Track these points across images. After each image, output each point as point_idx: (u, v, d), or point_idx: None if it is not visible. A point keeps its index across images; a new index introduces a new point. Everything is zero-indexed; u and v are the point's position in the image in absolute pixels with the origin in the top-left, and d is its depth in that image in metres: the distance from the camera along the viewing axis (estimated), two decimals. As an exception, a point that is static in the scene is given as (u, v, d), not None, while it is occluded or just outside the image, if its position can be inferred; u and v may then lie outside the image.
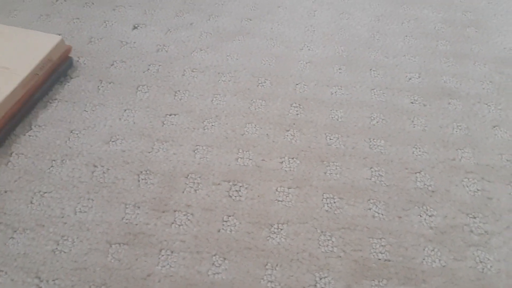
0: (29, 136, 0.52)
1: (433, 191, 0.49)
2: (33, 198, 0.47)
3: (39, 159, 0.50)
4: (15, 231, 0.44)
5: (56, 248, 0.44)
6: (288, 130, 0.54)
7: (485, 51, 0.65)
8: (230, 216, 0.46)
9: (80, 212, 0.46)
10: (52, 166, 0.49)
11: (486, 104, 0.58)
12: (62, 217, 0.46)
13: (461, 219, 0.47)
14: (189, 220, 0.46)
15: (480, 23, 0.69)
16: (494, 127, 0.56)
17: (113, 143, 0.52)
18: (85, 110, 0.55)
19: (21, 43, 0.56)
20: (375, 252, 0.44)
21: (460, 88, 0.61)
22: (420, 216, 0.47)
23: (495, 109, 0.58)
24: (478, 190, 0.49)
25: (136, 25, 0.67)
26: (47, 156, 0.50)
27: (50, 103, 0.56)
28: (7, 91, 0.51)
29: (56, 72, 0.58)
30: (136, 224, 0.45)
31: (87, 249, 0.43)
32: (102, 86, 0.58)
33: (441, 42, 0.67)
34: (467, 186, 0.50)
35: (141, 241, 0.44)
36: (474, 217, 0.47)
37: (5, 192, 0.47)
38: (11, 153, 0.51)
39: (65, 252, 0.43)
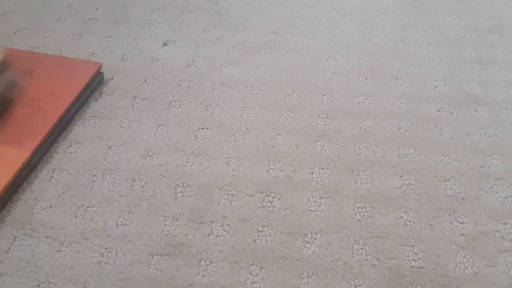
0: (70, 152, 0.55)
1: (463, 198, 0.50)
2: (76, 212, 0.49)
3: (80, 174, 0.53)
4: (62, 244, 0.47)
5: (101, 260, 0.46)
6: (317, 141, 0.56)
7: (510, 57, 0.66)
8: (264, 226, 0.48)
9: (122, 225, 0.48)
10: (93, 181, 0.52)
11: (513, 110, 0.59)
12: (105, 230, 0.48)
13: (492, 226, 0.48)
14: (225, 231, 0.47)
15: (503, 28, 0.70)
16: None
17: (150, 157, 0.54)
18: (121, 126, 0.57)
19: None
20: (408, 259, 0.45)
21: (486, 95, 0.61)
22: (451, 223, 0.48)
23: (522, 115, 0.58)
24: (508, 196, 0.50)
25: (165, 42, 0.69)
26: (88, 171, 0.53)
27: (88, 120, 0.58)
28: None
29: (89, 88, 0.60)
30: (176, 236, 0.47)
31: (130, 260, 0.46)
32: (137, 103, 0.60)
33: (465, 49, 0.68)
34: (497, 193, 0.50)
35: (181, 252, 0.45)
36: (505, 223, 0.48)
37: (50, 207, 0.50)
38: (54, 169, 0.53)
39: (109, 264, 0.45)
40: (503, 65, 0.65)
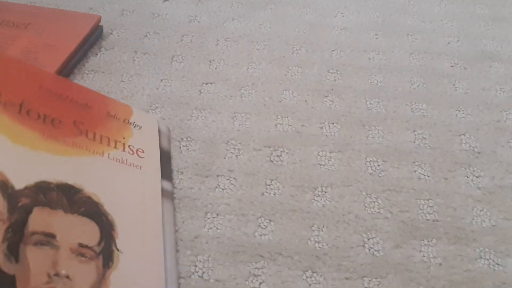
0: (68, 106, 0.52)
1: (479, 153, 0.48)
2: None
3: (79, 128, 0.50)
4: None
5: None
6: (326, 96, 0.54)
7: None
8: (273, 180, 0.46)
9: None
10: (93, 135, 0.50)
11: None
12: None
13: (509, 179, 0.46)
14: (232, 184, 0.45)
15: (518, -15, 0.67)
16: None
17: (153, 111, 0.52)
18: (122, 81, 0.55)
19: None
20: (422, 213, 0.44)
21: (501, 51, 0.59)
22: (467, 177, 0.46)
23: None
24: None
25: (167, -3, 0.66)
26: (87, 125, 0.51)
27: (87, 74, 0.56)
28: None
29: (88, 41, 0.58)
30: (181, 189, 0.45)
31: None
32: (137, 57, 0.58)
33: (478, 6, 0.66)
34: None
35: (186, 205, 0.44)
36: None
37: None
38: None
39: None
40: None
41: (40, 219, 0.33)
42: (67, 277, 0.32)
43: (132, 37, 0.61)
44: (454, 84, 0.55)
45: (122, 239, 0.35)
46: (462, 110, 0.52)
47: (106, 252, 0.34)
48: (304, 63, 0.58)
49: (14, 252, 0.30)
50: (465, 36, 0.61)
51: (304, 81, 0.55)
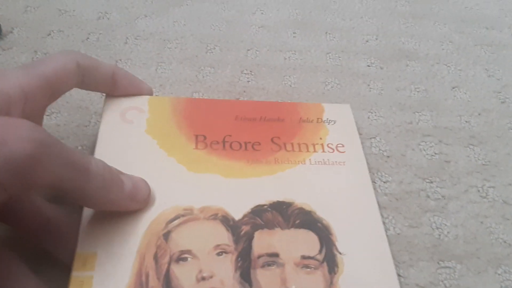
0: (-45, 113, 0.48)
1: (388, 156, 0.46)
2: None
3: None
4: None
5: None
6: (237, 98, 0.51)
7: (445, 11, 0.63)
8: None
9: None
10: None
11: (446, 65, 0.56)
12: None
13: (418, 184, 0.45)
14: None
15: (440, -18, 0.66)
16: (454, 88, 0.53)
17: (48, 117, 0.48)
18: (17, 83, 0.51)
19: None
20: (326, 222, 0.42)
21: (418, 49, 0.58)
22: (375, 183, 0.44)
23: (454, 69, 0.55)
24: (435, 153, 0.47)
25: (76, -8, 0.62)
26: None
27: (-21, 77, 0.51)
28: None
29: (-14, 43, 0.53)
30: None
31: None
32: (37, 57, 0.54)
33: (400, 3, 0.64)
34: (424, 150, 0.47)
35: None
36: (431, 182, 0.45)
37: None
38: None
39: None
40: (438, 19, 0.62)
41: (262, 242, 0.34)
42: None
43: (33, 36, 0.56)
44: (368, 85, 0.53)
45: (342, 241, 0.35)
46: (375, 112, 0.50)
47: (329, 258, 0.34)
48: (217, 63, 0.55)
49: (246, 279, 0.32)
50: (384, 33, 0.60)
51: (216, 82, 0.53)
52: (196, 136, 0.40)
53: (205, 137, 0.40)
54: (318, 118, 0.44)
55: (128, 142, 0.39)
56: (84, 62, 0.37)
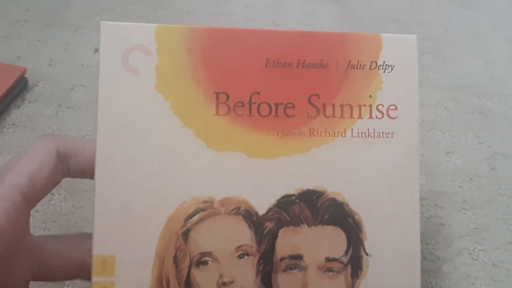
0: (-15, 163, 0.51)
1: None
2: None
3: (-7, 187, 0.49)
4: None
5: None
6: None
7: (441, 78, 0.68)
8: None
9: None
10: (6, 195, 0.49)
11: (440, 131, 0.60)
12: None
13: (414, 246, 0.48)
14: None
15: (436, 50, 0.72)
16: (448, 153, 0.58)
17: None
18: (43, 136, 0.54)
19: None
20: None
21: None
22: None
23: (448, 135, 0.60)
24: (431, 216, 0.51)
25: (97, 48, 0.66)
26: (2, 183, 0.50)
27: (7, 128, 0.55)
28: None
29: (10, 94, 0.57)
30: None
31: None
32: (61, 111, 0.58)
33: None
34: (421, 213, 0.51)
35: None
36: (427, 244, 0.49)
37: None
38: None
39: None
40: (433, 86, 0.66)
41: (286, 242, 0.31)
42: None
43: (58, 90, 0.60)
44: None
45: (371, 240, 0.32)
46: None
47: (354, 260, 0.32)
48: None
49: (267, 284, 0.31)
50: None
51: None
52: (217, 95, 0.32)
53: (227, 96, 0.32)
54: (372, 62, 0.34)
55: (135, 104, 0.31)
56: (65, 148, 0.32)
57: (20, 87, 0.58)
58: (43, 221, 0.47)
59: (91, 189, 0.50)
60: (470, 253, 0.49)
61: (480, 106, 0.64)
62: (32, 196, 0.31)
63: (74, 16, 0.70)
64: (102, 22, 0.32)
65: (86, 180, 0.49)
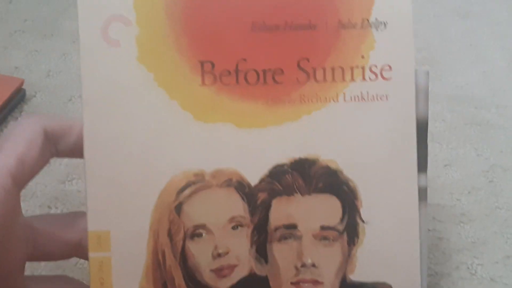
0: (-19, 175, 0.51)
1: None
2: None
3: (-10, 200, 0.49)
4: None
5: None
6: None
7: (438, 89, 0.68)
8: None
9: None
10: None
11: (438, 143, 0.60)
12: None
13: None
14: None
15: (434, 61, 0.72)
16: (446, 166, 0.58)
17: (69, 182, 0.51)
18: (40, 148, 0.54)
19: None
20: None
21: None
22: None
23: (446, 148, 0.60)
24: (429, 230, 0.51)
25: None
26: None
27: (4, 140, 0.55)
28: None
29: (8, 106, 0.57)
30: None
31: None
32: (59, 123, 0.57)
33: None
34: (419, 226, 0.51)
35: None
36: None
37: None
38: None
39: None
40: (431, 97, 0.63)
41: (279, 212, 0.31)
42: (313, 265, 0.31)
43: (55, 101, 0.60)
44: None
45: (367, 207, 0.32)
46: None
47: (350, 227, 0.32)
48: None
49: (263, 254, 0.31)
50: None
51: None
52: (202, 64, 0.31)
53: (213, 65, 0.31)
54: (363, 20, 0.32)
55: (117, 77, 0.31)
56: (52, 128, 0.32)
57: (17, 99, 0.58)
58: (40, 235, 0.47)
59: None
60: (468, 268, 0.49)
61: (478, 118, 0.64)
62: (22, 178, 0.30)
63: (72, 26, 0.70)
64: None
65: (83, 193, 0.49)
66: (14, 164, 0.29)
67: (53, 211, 0.49)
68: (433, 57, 0.72)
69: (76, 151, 0.32)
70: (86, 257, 0.32)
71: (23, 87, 0.59)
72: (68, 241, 0.33)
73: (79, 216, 0.34)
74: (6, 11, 0.71)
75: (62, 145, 0.32)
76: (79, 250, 0.33)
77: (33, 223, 0.32)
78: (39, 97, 0.60)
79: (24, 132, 0.30)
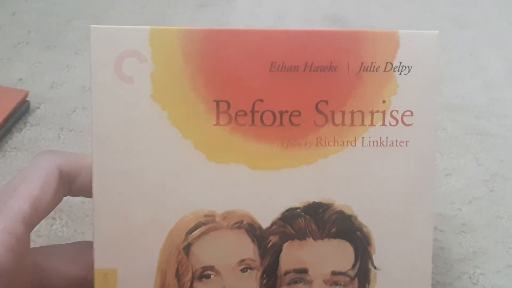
0: (-14, 187, 0.52)
1: (387, 242, 0.50)
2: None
3: (-5, 212, 0.49)
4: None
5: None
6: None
7: (439, 99, 0.68)
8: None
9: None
10: (8, 220, 0.49)
11: (439, 153, 0.61)
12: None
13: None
14: None
15: (434, 70, 0.72)
16: (447, 175, 0.58)
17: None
18: (44, 160, 0.55)
19: None
20: None
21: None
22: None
23: (447, 157, 0.60)
24: (431, 240, 0.51)
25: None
26: (4, 208, 0.50)
27: (9, 151, 0.55)
28: None
29: (12, 118, 0.57)
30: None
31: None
32: (63, 134, 0.58)
33: None
34: (421, 236, 0.51)
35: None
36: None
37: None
38: (-33, 206, 0.50)
39: None
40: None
41: (290, 256, 0.31)
42: None
43: (59, 112, 0.61)
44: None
45: (380, 254, 0.31)
46: (375, 198, 0.55)
47: (361, 273, 0.31)
48: None
49: None
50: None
51: None
52: (217, 104, 0.30)
53: (228, 105, 0.30)
54: (387, 63, 0.31)
55: (130, 115, 0.30)
56: (68, 167, 0.32)
57: (22, 110, 0.58)
58: (45, 247, 0.47)
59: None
60: (470, 277, 0.49)
61: (479, 127, 0.64)
62: (34, 222, 0.30)
63: (75, 38, 0.71)
64: (92, 26, 0.30)
65: (88, 205, 0.50)
66: (28, 209, 0.29)
67: (57, 222, 0.49)
68: (433, 67, 0.72)
69: (90, 190, 0.32)
70: None
71: (28, 98, 0.60)
72: (74, 276, 0.33)
73: (85, 248, 0.34)
74: (10, 23, 0.72)
75: (76, 184, 0.32)
76: (85, 285, 0.32)
77: (39, 260, 0.32)
78: (43, 108, 0.61)
79: (39, 173, 0.30)
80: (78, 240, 0.49)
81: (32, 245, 0.40)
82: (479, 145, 0.62)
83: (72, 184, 0.32)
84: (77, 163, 0.32)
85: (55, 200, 0.31)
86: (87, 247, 0.34)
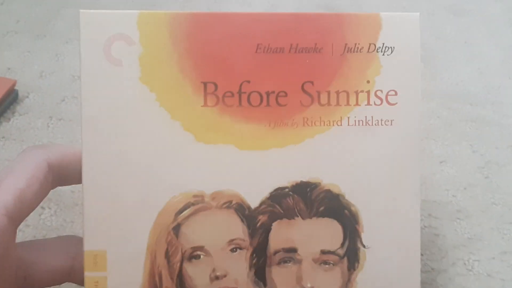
0: (-27, 177, 0.51)
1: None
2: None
3: (-18, 201, 0.48)
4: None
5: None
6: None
7: (433, 87, 0.68)
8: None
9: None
10: None
11: (434, 140, 0.60)
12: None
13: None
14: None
15: (428, 59, 0.72)
16: (441, 162, 0.58)
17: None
18: (33, 149, 0.54)
19: None
20: None
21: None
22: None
23: (442, 144, 0.60)
24: (425, 226, 0.51)
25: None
26: (-8, 198, 0.49)
27: (-3, 141, 0.54)
28: None
29: (1, 106, 0.56)
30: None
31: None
32: (52, 123, 0.57)
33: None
34: (415, 223, 0.51)
35: None
36: (422, 254, 0.48)
37: None
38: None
39: None
40: (426, 95, 0.66)
41: (279, 235, 0.31)
42: None
43: (48, 101, 0.60)
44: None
45: (368, 232, 0.32)
46: (369, 185, 0.54)
47: (350, 252, 0.31)
48: None
49: (261, 277, 0.30)
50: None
51: None
52: (205, 85, 0.31)
53: (216, 86, 0.31)
54: (370, 45, 0.32)
55: (119, 97, 0.30)
56: (56, 159, 0.32)
57: (10, 100, 0.57)
58: (34, 236, 0.46)
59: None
60: (465, 264, 0.48)
61: (473, 115, 0.64)
62: (19, 214, 0.30)
63: (65, 27, 0.70)
64: (81, 10, 0.31)
65: (77, 194, 0.49)
66: (12, 201, 0.29)
67: (46, 211, 0.49)
68: (427, 55, 0.72)
69: (81, 178, 0.32)
70: (79, 282, 0.31)
71: (16, 87, 0.59)
72: (59, 267, 0.32)
73: (70, 241, 0.34)
74: (-1, 12, 0.71)
75: (67, 174, 0.32)
76: (72, 275, 0.32)
77: (24, 255, 0.32)
78: (32, 97, 0.60)
79: (26, 166, 0.30)
80: (66, 229, 0.48)
81: (20, 234, 0.40)
82: (474, 132, 0.62)
83: (62, 175, 0.32)
84: (65, 154, 0.32)
85: (42, 193, 0.31)
86: (72, 240, 0.34)
